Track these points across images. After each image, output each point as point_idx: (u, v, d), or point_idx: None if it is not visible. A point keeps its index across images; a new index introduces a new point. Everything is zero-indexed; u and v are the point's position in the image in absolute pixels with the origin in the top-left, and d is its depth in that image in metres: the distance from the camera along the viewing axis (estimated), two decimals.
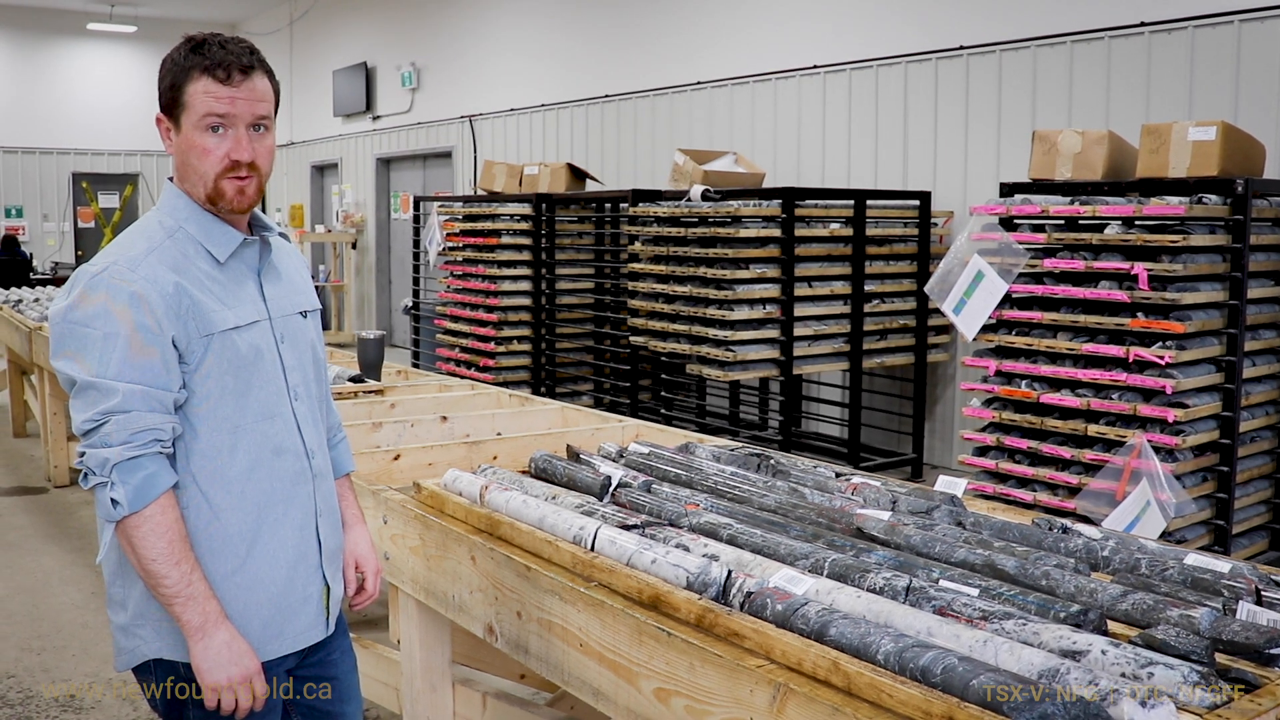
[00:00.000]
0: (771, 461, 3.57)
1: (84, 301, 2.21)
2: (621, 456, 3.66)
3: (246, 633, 2.31)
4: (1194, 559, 2.62)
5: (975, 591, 2.36)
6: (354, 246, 18.31)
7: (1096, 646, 2.04)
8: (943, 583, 2.43)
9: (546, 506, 2.98)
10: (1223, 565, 2.57)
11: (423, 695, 3.57)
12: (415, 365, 13.17)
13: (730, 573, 2.44)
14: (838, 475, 3.45)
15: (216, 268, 2.33)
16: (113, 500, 2.16)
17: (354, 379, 5.59)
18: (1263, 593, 2.41)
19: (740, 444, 3.98)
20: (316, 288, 17.44)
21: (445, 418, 4.95)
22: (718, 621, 2.33)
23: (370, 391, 5.57)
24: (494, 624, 2.99)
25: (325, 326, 17.12)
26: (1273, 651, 2.10)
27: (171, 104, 2.30)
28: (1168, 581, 2.51)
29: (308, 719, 2.59)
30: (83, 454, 2.19)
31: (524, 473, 3.63)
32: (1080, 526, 2.88)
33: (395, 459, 4.16)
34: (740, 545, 2.75)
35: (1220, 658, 2.12)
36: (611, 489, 3.26)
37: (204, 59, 2.26)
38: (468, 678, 3.66)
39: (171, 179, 2.39)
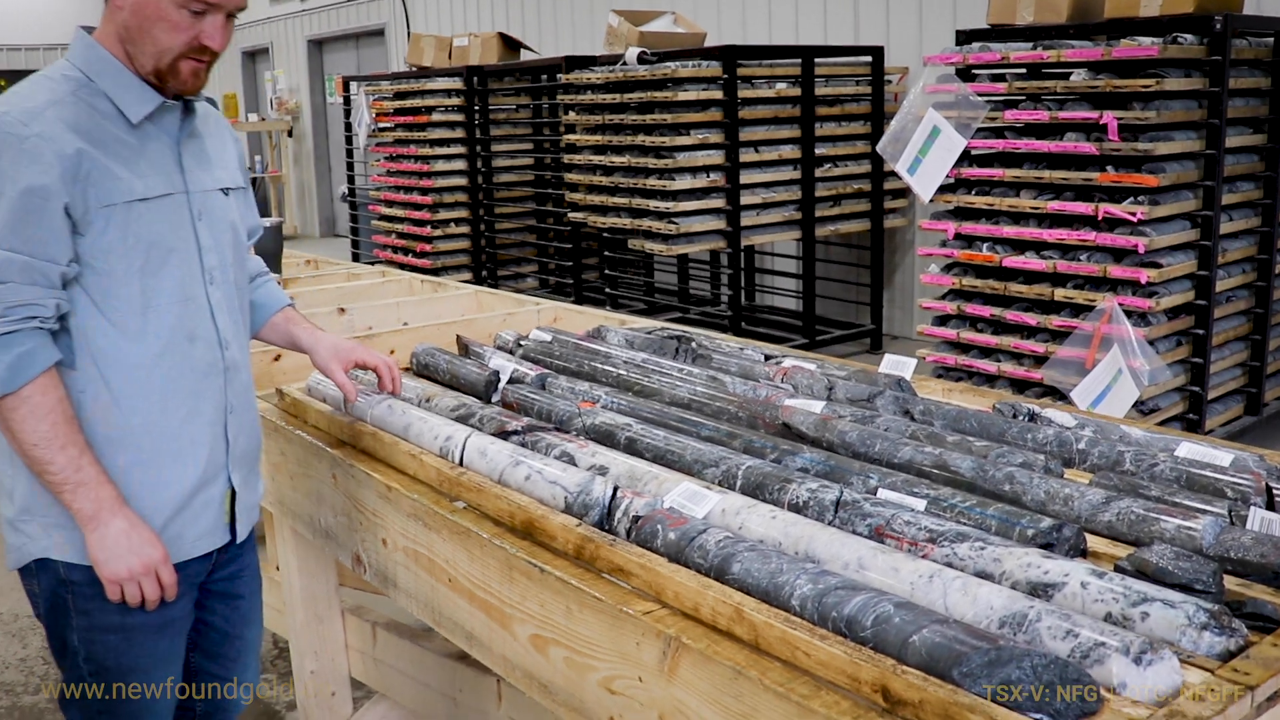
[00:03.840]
0: (692, 345, 3.08)
1: None
2: (520, 347, 3.15)
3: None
4: (1188, 449, 2.16)
5: (922, 504, 1.89)
6: (290, 135, 17.51)
7: (1074, 577, 1.58)
8: (882, 493, 1.96)
9: (415, 412, 2.49)
10: (1223, 456, 2.11)
11: (308, 627, 3.11)
12: (355, 256, 12.61)
13: (616, 491, 1.96)
14: (767, 359, 2.96)
15: (128, 130, 2.07)
16: None
17: None
18: (1275, 491, 1.95)
19: (661, 325, 3.49)
20: (252, 179, 17.08)
21: (343, 309, 4.43)
22: (598, 554, 1.86)
23: None
24: (360, 552, 2.52)
25: (280, 218, 16.41)
26: None
27: None
28: (1158, 481, 2.04)
29: (204, 638, 2.35)
30: None
31: (405, 369, 3.13)
32: (1050, 412, 2.41)
33: (275, 359, 3.65)
34: (638, 452, 2.27)
35: (1229, 582, 1.66)
36: (500, 386, 2.77)
37: None
38: (360, 605, 3.20)
39: (86, 29, 2.11)
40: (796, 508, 1.92)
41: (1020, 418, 2.41)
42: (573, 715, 1.88)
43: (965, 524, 1.80)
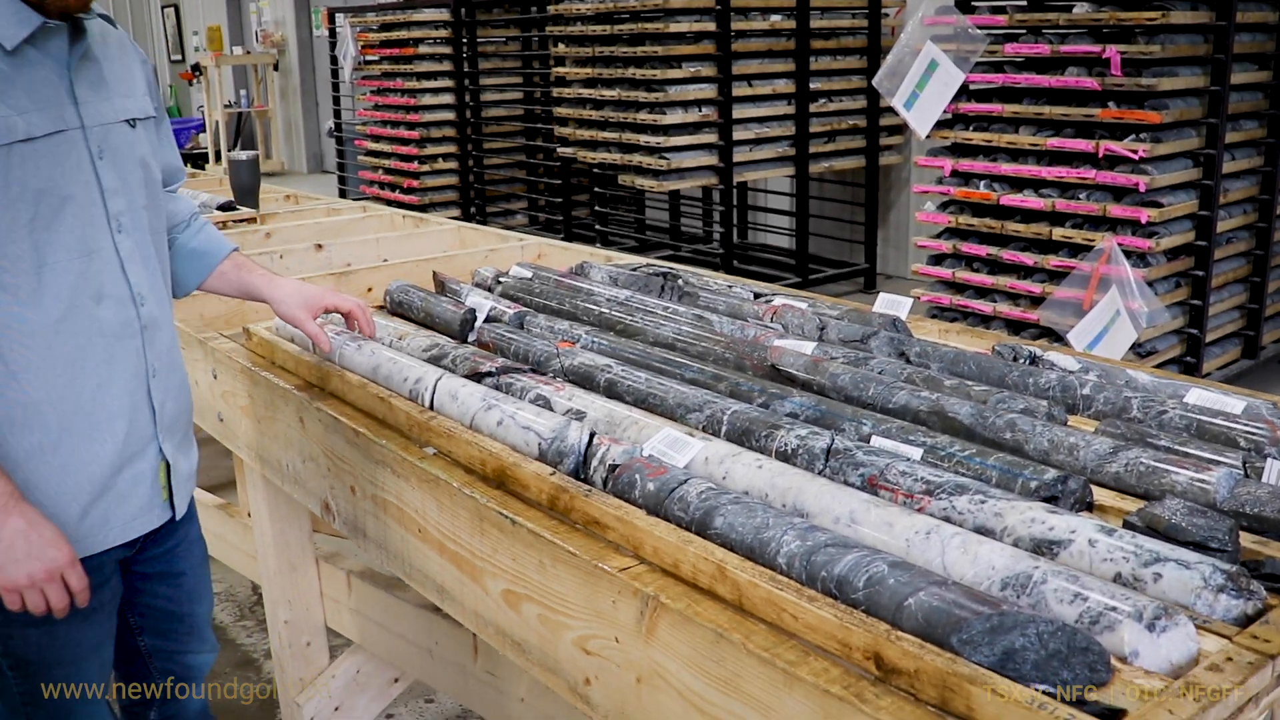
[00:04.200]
0: (678, 282, 2.95)
1: None
2: (499, 284, 3.02)
3: (63, 523, 1.86)
4: (1198, 396, 2.05)
5: (918, 453, 1.78)
6: (276, 68, 17.18)
7: (1081, 534, 1.46)
8: (875, 441, 1.84)
9: (384, 353, 2.36)
10: (1234, 404, 2.00)
11: (280, 576, 3.01)
12: (342, 193, 12.43)
13: (593, 437, 1.85)
14: (756, 297, 2.84)
15: (3, 58, 1.76)
16: None
17: (224, 206, 4.89)
18: None
19: (647, 261, 3.36)
20: (237, 114, 16.84)
21: (320, 246, 4.29)
22: (573, 505, 1.74)
23: (243, 220, 4.89)
24: (330, 500, 2.40)
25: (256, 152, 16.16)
26: None
27: None
28: (1168, 430, 1.93)
29: (150, 621, 2.18)
30: None
31: (379, 308, 3.00)
32: (1052, 355, 2.29)
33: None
34: (618, 395, 2.15)
35: (1245, 539, 1.55)
36: (476, 325, 2.64)
37: None
38: (335, 552, 3.09)
39: None
40: (785, 456, 1.81)
41: (1021, 361, 2.29)
42: (547, 675, 1.77)
43: (964, 474, 1.69)
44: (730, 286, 2.95)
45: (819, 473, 1.76)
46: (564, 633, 1.71)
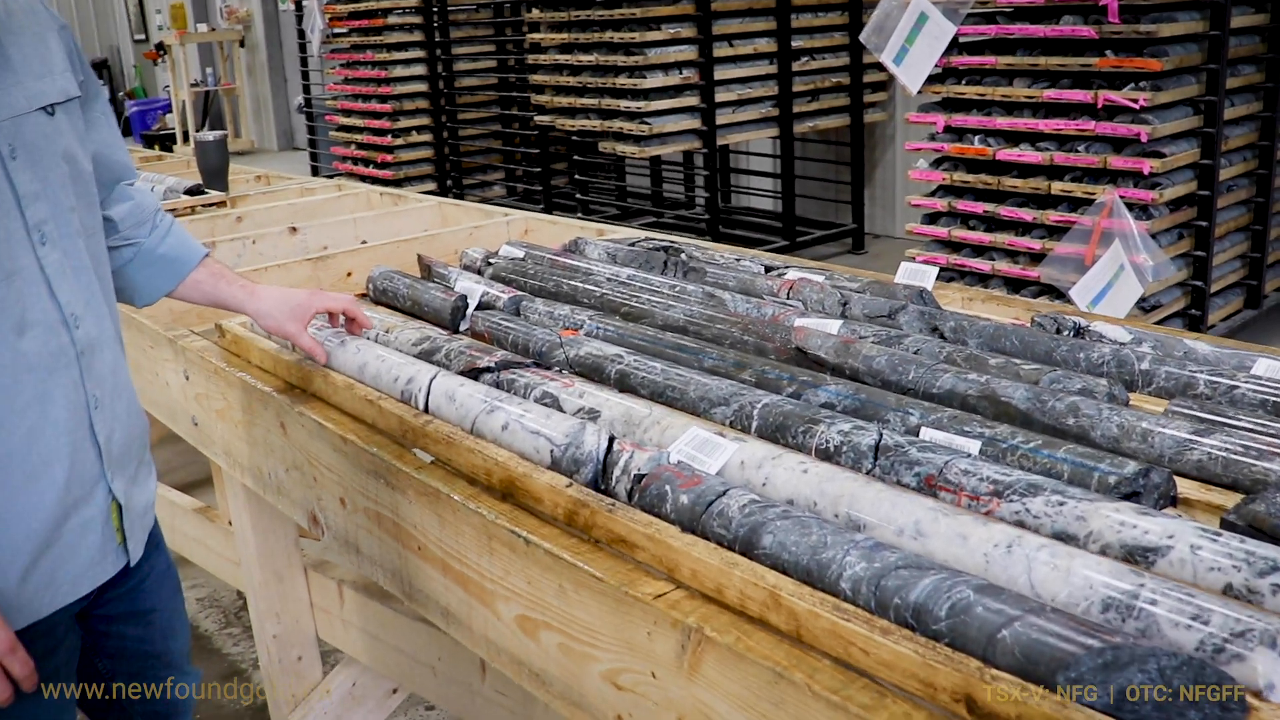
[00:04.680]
0: (681, 256, 2.76)
1: None
2: (489, 265, 2.82)
3: (1, 588, 1.59)
4: (1266, 367, 1.86)
5: (975, 446, 1.59)
6: (242, 45, 16.82)
7: (1181, 539, 1.28)
8: (925, 433, 1.66)
9: (371, 349, 2.16)
10: None
11: (266, 587, 2.82)
12: (315, 170, 12.16)
13: (613, 442, 1.65)
14: (768, 270, 2.64)
15: None
16: None
17: (192, 190, 4.66)
18: None
19: (646, 234, 3.16)
20: (205, 93, 16.50)
21: (295, 229, 4.07)
22: (594, 521, 1.55)
23: (212, 204, 4.66)
24: (317, 512, 2.20)
25: (224, 131, 15.82)
26: None
27: None
28: (1241, 407, 1.75)
29: (122, 664, 1.91)
30: None
31: (361, 296, 2.80)
32: (1099, 325, 2.10)
33: None
34: (632, 388, 1.95)
35: None
36: (468, 313, 2.44)
37: None
38: (324, 560, 2.89)
39: None
40: (826, 454, 1.62)
41: (1065, 333, 2.10)
42: (572, 710, 1.58)
43: (1033, 473, 1.50)
44: (738, 259, 2.75)
45: (867, 472, 1.57)
46: (590, 665, 1.52)
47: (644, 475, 1.55)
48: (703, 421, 1.77)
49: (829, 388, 1.83)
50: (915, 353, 1.99)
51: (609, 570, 1.47)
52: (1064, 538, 1.36)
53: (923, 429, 1.67)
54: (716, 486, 1.48)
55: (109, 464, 1.72)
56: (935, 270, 2.44)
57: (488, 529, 1.66)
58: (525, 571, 1.61)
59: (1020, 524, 1.40)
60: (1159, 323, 5.29)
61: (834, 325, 2.13)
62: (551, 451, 1.68)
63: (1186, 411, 1.70)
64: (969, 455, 1.54)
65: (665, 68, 7.27)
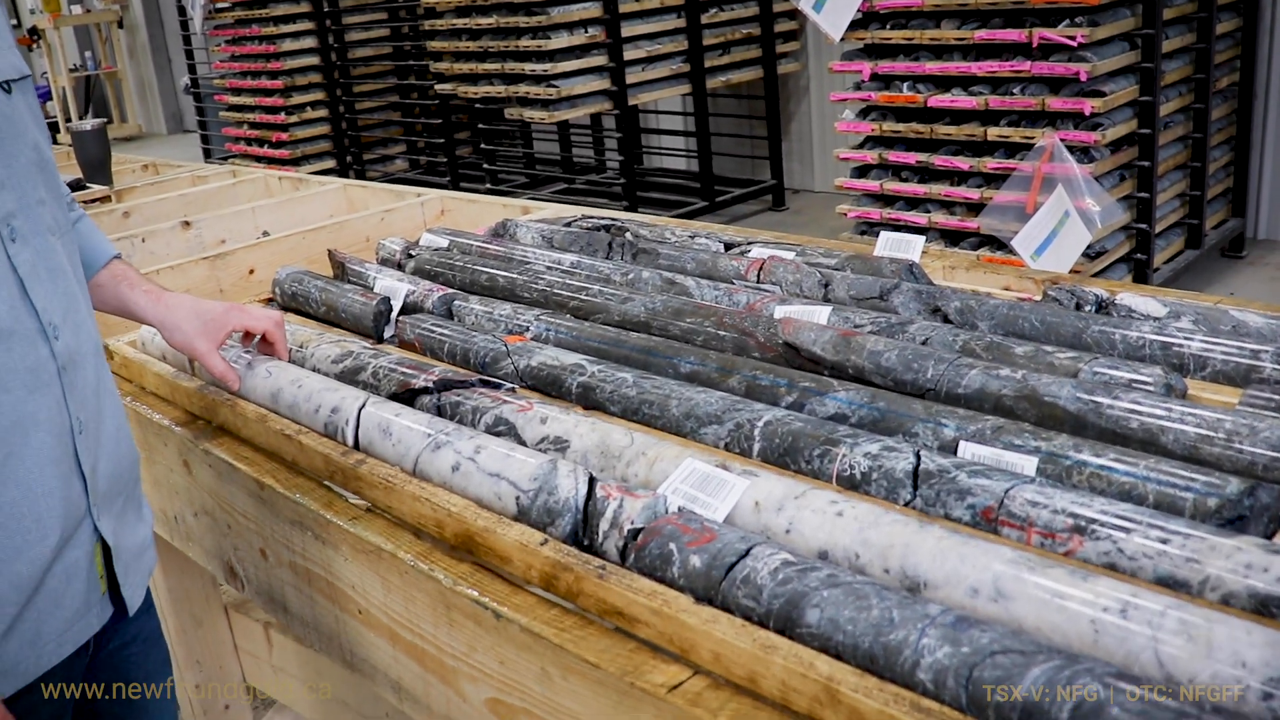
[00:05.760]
0: (627, 236, 2.45)
1: None
2: (410, 258, 2.49)
3: None
4: None
5: (1031, 464, 1.32)
6: (121, 25, 16.07)
7: None
8: (965, 449, 1.38)
9: (285, 372, 1.83)
10: None
11: (184, 634, 2.49)
12: (207, 154, 11.62)
13: (593, 483, 1.35)
14: (728, 248, 2.35)
15: None
16: None
17: (72, 185, 4.25)
18: None
19: (581, 212, 2.84)
20: (85, 78, 15.78)
21: (188, 222, 3.70)
22: (581, 589, 1.25)
23: (95, 200, 4.26)
24: (234, 563, 1.88)
25: (105, 119, 15.15)
26: None
27: None
28: None
29: None
30: None
31: (266, 301, 2.46)
32: (1126, 298, 1.84)
33: None
34: (599, 404, 1.66)
35: None
36: (393, 318, 2.12)
37: None
38: (245, 601, 2.56)
39: None
40: (852, 483, 1.34)
41: (1088, 308, 1.84)
42: None
43: (1112, 500, 1.23)
44: (692, 237, 2.45)
45: (906, 504, 1.29)
46: None
47: (639, 530, 1.26)
48: (694, 447, 1.48)
49: (837, 395, 1.54)
50: (924, 343, 1.71)
51: (605, 654, 1.18)
52: (1172, 584, 1.10)
53: (961, 443, 1.39)
54: (735, 544, 1.18)
55: (95, 498, 1.45)
56: (921, 240, 2.17)
57: (445, 597, 1.36)
58: (496, 650, 1.31)
59: (1112, 566, 1.14)
60: (1100, 272, 5.10)
61: (822, 313, 1.85)
62: (517, 499, 1.38)
63: (1262, 403, 1.44)
64: (1031, 479, 1.26)
65: (570, 26, 6.93)
